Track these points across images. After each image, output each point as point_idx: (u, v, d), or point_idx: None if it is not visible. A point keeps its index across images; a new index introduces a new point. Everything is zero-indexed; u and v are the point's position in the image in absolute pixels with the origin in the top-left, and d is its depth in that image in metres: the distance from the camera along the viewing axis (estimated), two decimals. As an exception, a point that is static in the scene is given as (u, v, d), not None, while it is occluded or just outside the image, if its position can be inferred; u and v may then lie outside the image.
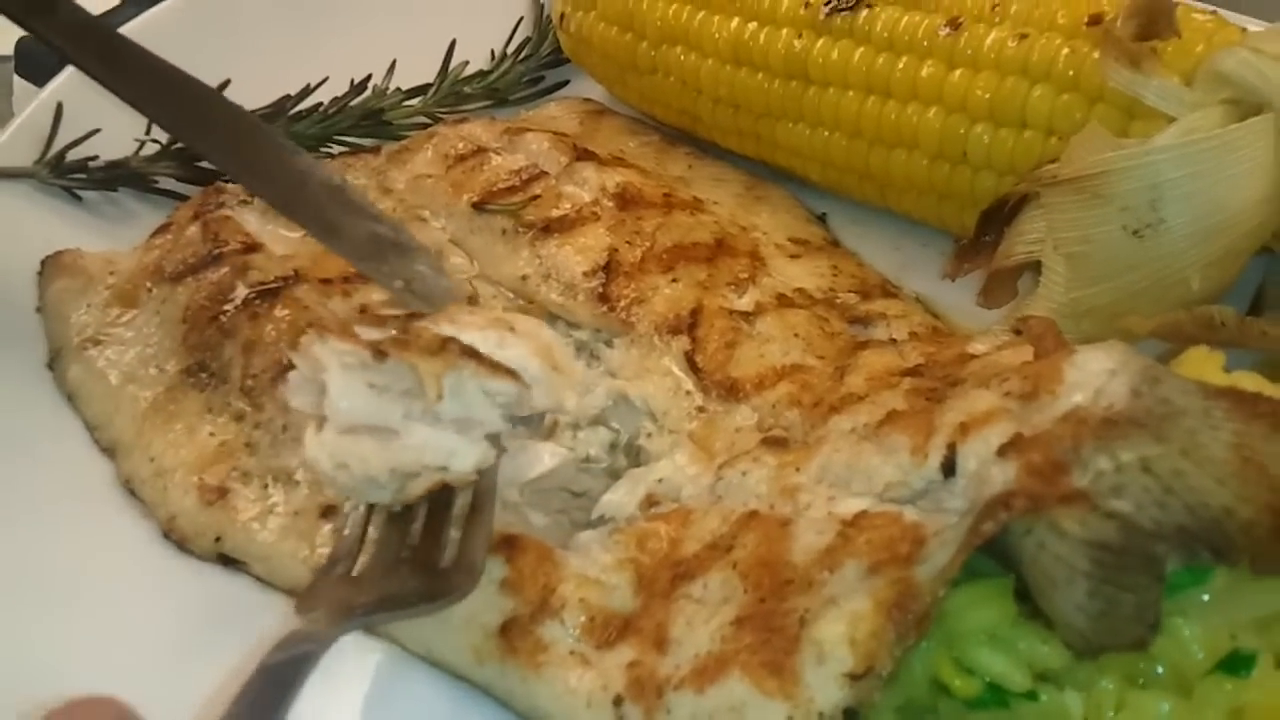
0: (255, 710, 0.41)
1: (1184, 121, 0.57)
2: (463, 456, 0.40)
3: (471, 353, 0.42)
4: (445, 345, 0.42)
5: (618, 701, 0.48)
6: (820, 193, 0.77)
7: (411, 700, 0.53)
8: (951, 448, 0.44)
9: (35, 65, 1.04)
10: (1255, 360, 0.58)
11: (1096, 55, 0.60)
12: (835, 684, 0.42)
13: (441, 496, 0.43)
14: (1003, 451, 0.42)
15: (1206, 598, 0.40)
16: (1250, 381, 0.44)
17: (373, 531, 0.51)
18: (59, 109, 0.79)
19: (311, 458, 0.40)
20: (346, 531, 0.52)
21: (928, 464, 0.45)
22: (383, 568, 0.48)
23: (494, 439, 0.43)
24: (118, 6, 1.15)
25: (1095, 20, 0.62)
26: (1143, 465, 0.38)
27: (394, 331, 0.49)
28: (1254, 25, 0.67)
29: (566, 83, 0.91)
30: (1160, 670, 0.41)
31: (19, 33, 1.00)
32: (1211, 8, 0.65)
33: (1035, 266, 0.61)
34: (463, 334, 0.49)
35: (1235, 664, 0.38)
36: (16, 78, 1.07)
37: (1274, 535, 0.36)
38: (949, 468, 0.44)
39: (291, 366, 0.55)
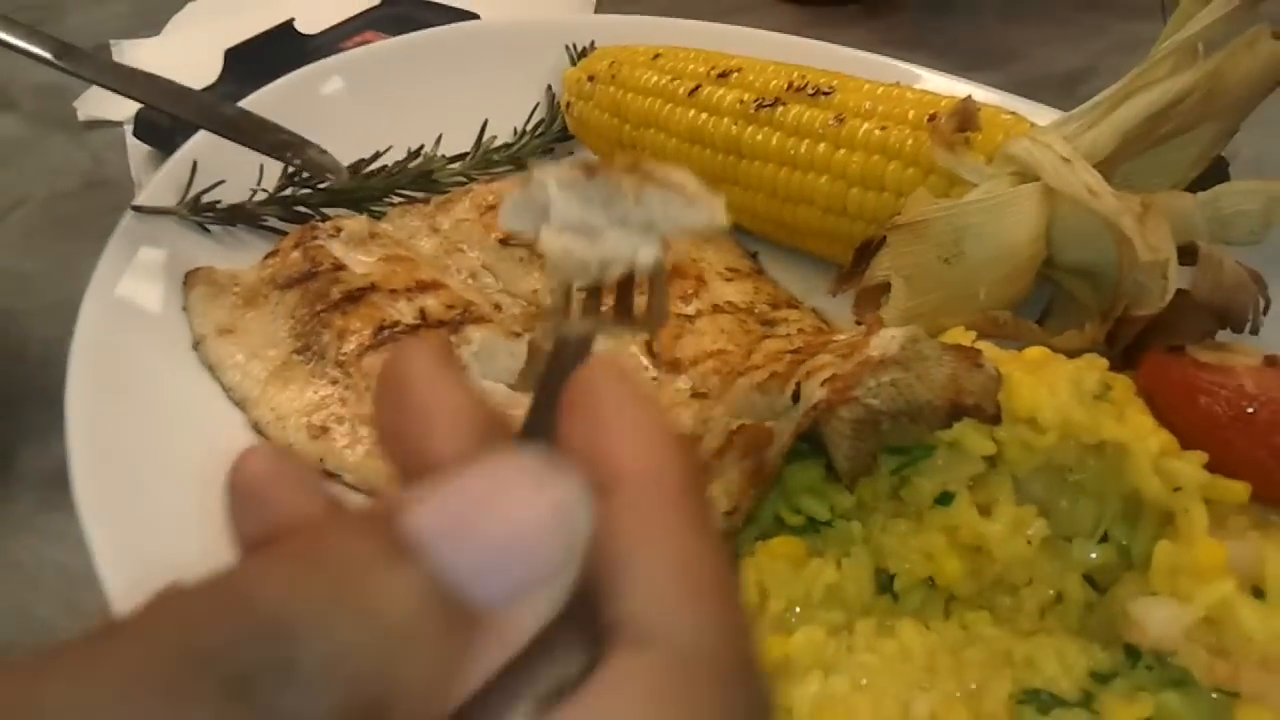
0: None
1: (982, 187, 0.84)
2: (646, 251, 0.42)
3: (653, 172, 0.43)
4: (636, 165, 0.43)
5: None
6: (754, 237, 1.04)
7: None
8: (798, 385, 0.71)
9: (151, 131, 1.24)
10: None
11: (929, 142, 0.88)
12: (718, 520, 0.68)
13: (627, 281, 0.43)
14: (823, 383, 0.69)
15: (937, 462, 0.66)
16: (964, 342, 0.71)
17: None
18: (194, 164, 1.06)
19: (547, 247, 0.41)
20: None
21: (785, 396, 0.72)
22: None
23: (664, 239, 0.43)
24: (216, 81, 1.44)
25: (932, 118, 0.90)
26: (891, 382, 0.64)
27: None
28: (1052, 116, 0.94)
29: (571, 154, 1.14)
30: (907, 506, 0.67)
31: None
32: (1013, 109, 0.93)
33: (888, 286, 0.87)
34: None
35: (945, 499, 0.65)
36: (132, 141, 1.28)
37: (947, 417, 0.63)
38: (795, 397, 0.70)
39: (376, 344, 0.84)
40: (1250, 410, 0.65)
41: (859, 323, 0.83)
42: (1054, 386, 0.65)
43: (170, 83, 1.12)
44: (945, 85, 1.06)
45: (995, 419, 0.62)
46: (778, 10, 1.54)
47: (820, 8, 1.51)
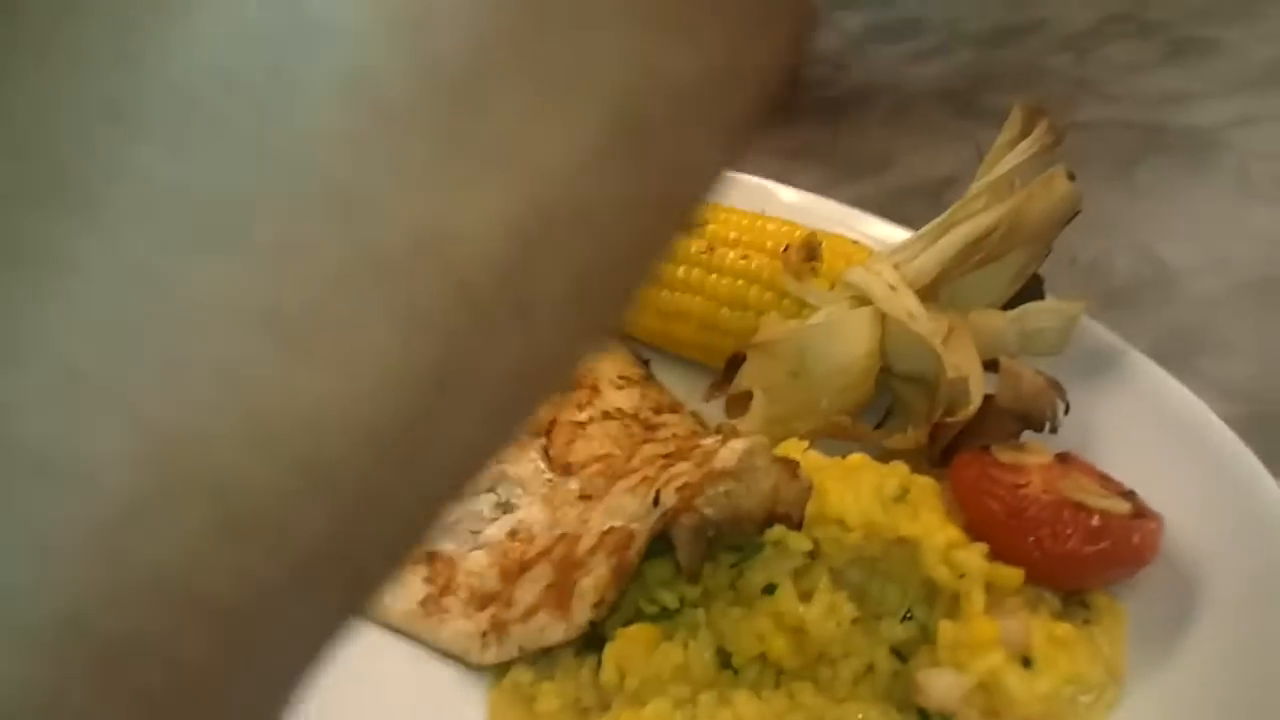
0: None
1: (822, 311, 0.98)
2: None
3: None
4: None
5: (484, 635, 0.87)
6: (648, 347, 1.18)
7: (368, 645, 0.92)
8: (658, 492, 0.84)
9: None
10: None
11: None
12: (587, 610, 0.81)
13: None
14: (677, 490, 0.82)
15: (765, 557, 0.79)
16: (797, 452, 0.84)
17: None
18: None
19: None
20: None
21: (647, 500, 0.85)
22: None
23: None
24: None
25: (786, 249, 1.04)
26: (725, 492, 0.78)
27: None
28: (897, 238, 1.08)
29: None
30: (742, 595, 0.80)
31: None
32: (857, 238, 1.07)
33: (750, 395, 1.01)
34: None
35: (770, 589, 0.78)
36: None
37: (762, 524, 0.76)
38: (656, 501, 0.84)
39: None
40: (1021, 507, 0.79)
41: (718, 430, 0.96)
42: (859, 491, 0.79)
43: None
44: (808, 204, 1.20)
45: (798, 525, 0.76)
46: (685, 120, 1.69)
47: (723, 117, 1.66)
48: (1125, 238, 1.31)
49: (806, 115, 1.67)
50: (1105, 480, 0.86)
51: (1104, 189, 1.41)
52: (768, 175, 1.28)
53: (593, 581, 0.81)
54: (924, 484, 0.82)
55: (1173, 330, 1.17)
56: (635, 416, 1.06)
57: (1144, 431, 0.93)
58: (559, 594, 0.83)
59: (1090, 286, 1.24)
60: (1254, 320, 1.16)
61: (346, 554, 0.19)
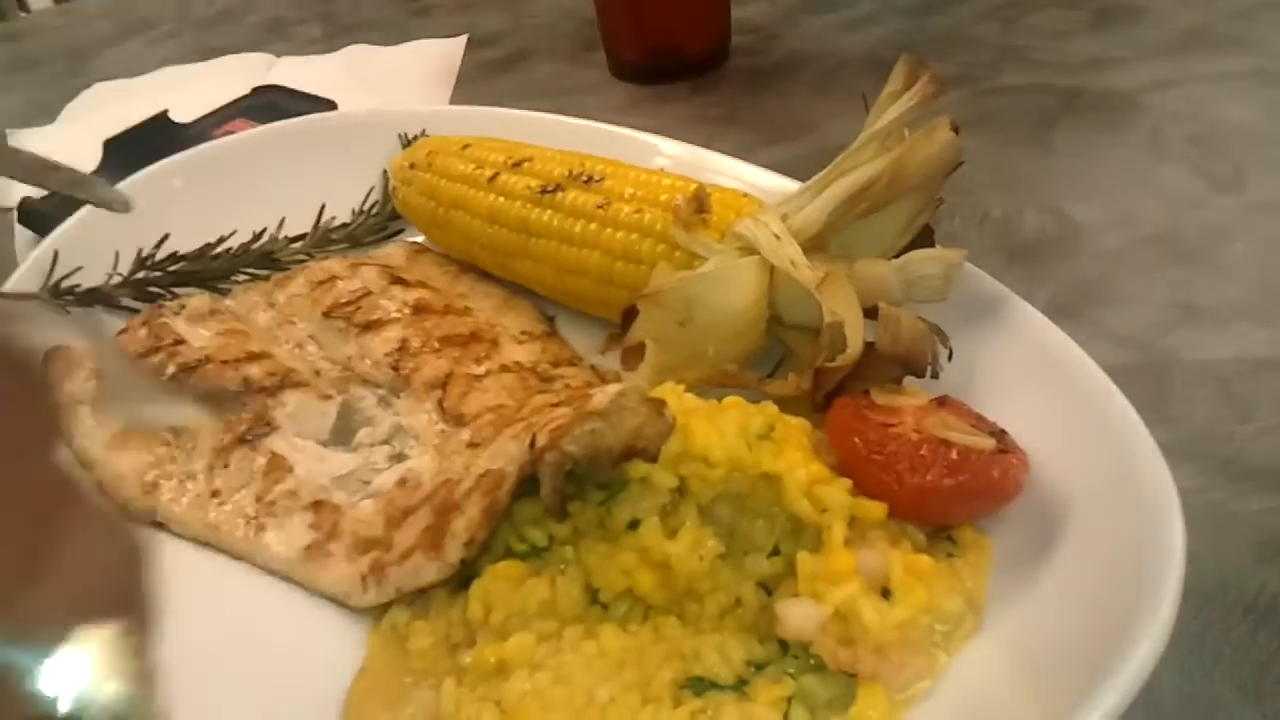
0: None
1: (711, 261, 0.99)
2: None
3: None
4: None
5: (364, 578, 0.88)
6: (552, 304, 1.19)
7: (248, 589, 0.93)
8: (534, 434, 0.85)
9: (35, 218, 1.41)
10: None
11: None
12: (458, 550, 0.82)
13: None
14: (551, 431, 0.83)
15: (632, 494, 0.80)
16: (672, 394, 0.85)
17: None
18: (55, 254, 1.19)
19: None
20: None
21: (524, 443, 0.86)
22: None
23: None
24: (96, 169, 1.57)
25: (676, 202, 1.05)
26: (591, 431, 0.79)
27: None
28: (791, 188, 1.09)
29: (402, 230, 1.28)
30: (609, 532, 0.81)
31: (22, 190, 1.41)
32: (746, 190, 1.08)
33: (644, 347, 1.02)
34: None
35: (634, 525, 0.79)
36: (19, 226, 1.44)
37: (619, 459, 0.77)
38: (531, 444, 0.84)
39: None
40: (883, 443, 0.80)
41: (609, 381, 0.97)
42: (723, 430, 0.79)
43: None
44: (714, 162, 1.21)
45: (654, 459, 0.76)
46: (616, 88, 1.70)
47: (653, 86, 1.67)
48: (1037, 196, 1.32)
49: (734, 83, 1.68)
50: (979, 420, 0.87)
51: (1021, 151, 1.43)
52: (694, 141, 1.30)
53: (464, 522, 0.82)
54: (792, 424, 0.83)
55: (1074, 283, 1.18)
56: (533, 370, 1.07)
57: (1024, 375, 0.94)
58: (434, 535, 0.84)
59: (999, 242, 1.26)
60: (1152, 273, 1.18)
61: None
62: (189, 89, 1.75)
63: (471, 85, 1.76)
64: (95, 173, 1.51)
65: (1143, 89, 1.50)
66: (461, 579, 0.82)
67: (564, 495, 0.77)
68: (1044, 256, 1.22)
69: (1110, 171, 1.36)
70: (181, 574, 0.92)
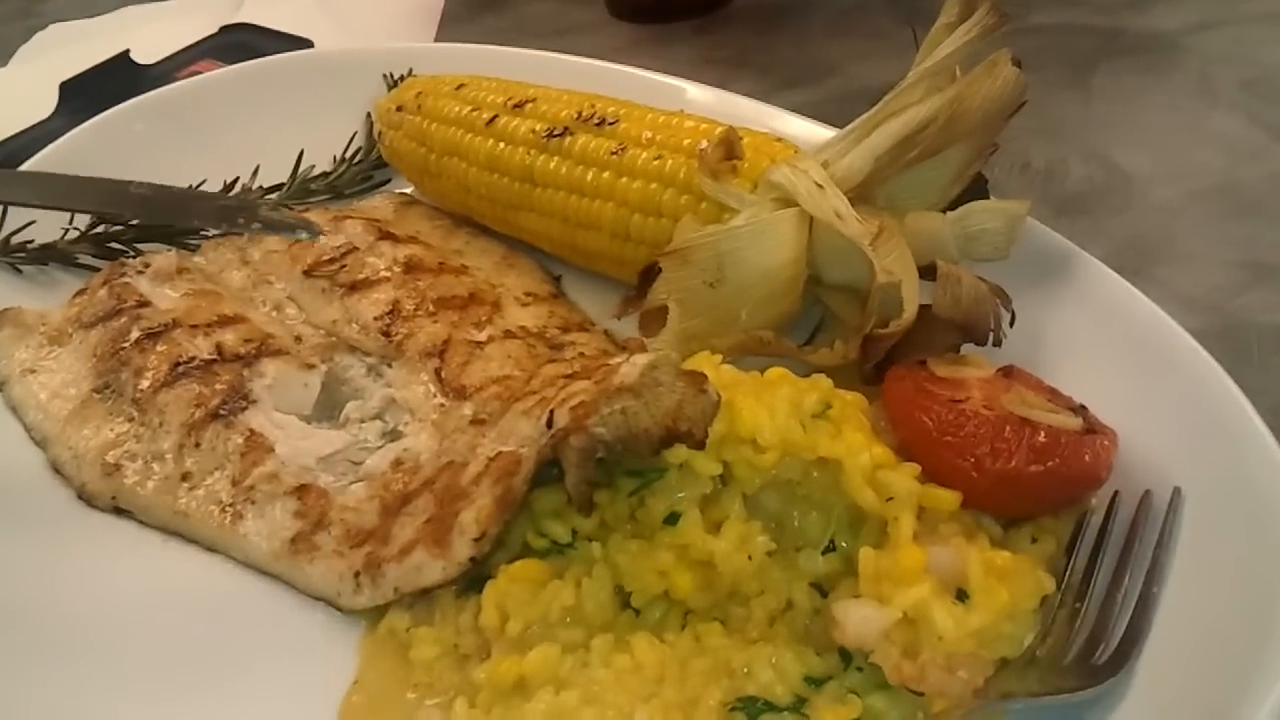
0: None
1: (743, 214, 0.88)
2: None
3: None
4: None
5: (357, 575, 0.77)
6: (558, 261, 1.08)
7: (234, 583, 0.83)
8: (552, 411, 0.74)
9: None
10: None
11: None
12: (468, 546, 0.71)
13: None
14: (571, 409, 0.72)
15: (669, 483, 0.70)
16: (709, 366, 0.75)
17: None
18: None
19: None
20: None
21: (541, 422, 0.75)
22: None
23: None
24: (51, 115, 1.45)
25: (703, 148, 0.94)
26: (622, 410, 0.68)
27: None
28: (825, 136, 0.98)
29: (389, 180, 1.16)
30: (643, 526, 0.70)
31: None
32: (779, 136, 0.97)
33: (665, 310, 0.91)
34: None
35: (673, 519, 0.68)
36: None
37: (660, 443, 0.66)
38: (549, 423, 0.74)
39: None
40: (958, 423, 0.70)
41: (628, 347, 0.86)
42: (774, 408, 0.69)
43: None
44: (738, 107, 1.10)
45: (701, 445, 0.66)
46: (613, 28, 1.58)
47: (653, 25, 1.55)
48: (1080, 144, 1.22)
49: (741, 22, 1.56)
50: (1054, 394, 0.77)
51: (1059, 94, 1.32)
52: (704, 84, 1.18)
53: (474, 514, 0.71)
54: (849, 400, 0.73)
55: (1130, 239, 1.08)
56: (541, 335, 0.95)
57: (1099, 343, 0.84)
58: (438, 528, 0.73)
59: (1044, 194, 1.15)
60: (1214, 229, 1.08)
61: None
62: (151, 28, 1.61)
63: (456, 24, 1.64)
64: (48, 121, 1.38)
65: (1186, 30, 1.40)
66: (471, 579, 0.72)
67: (592, 484, 0.66)
68: (1095, 209, 1.12)
69: (1157, 118, 1.26)
70: (141, 569, 0.82)
